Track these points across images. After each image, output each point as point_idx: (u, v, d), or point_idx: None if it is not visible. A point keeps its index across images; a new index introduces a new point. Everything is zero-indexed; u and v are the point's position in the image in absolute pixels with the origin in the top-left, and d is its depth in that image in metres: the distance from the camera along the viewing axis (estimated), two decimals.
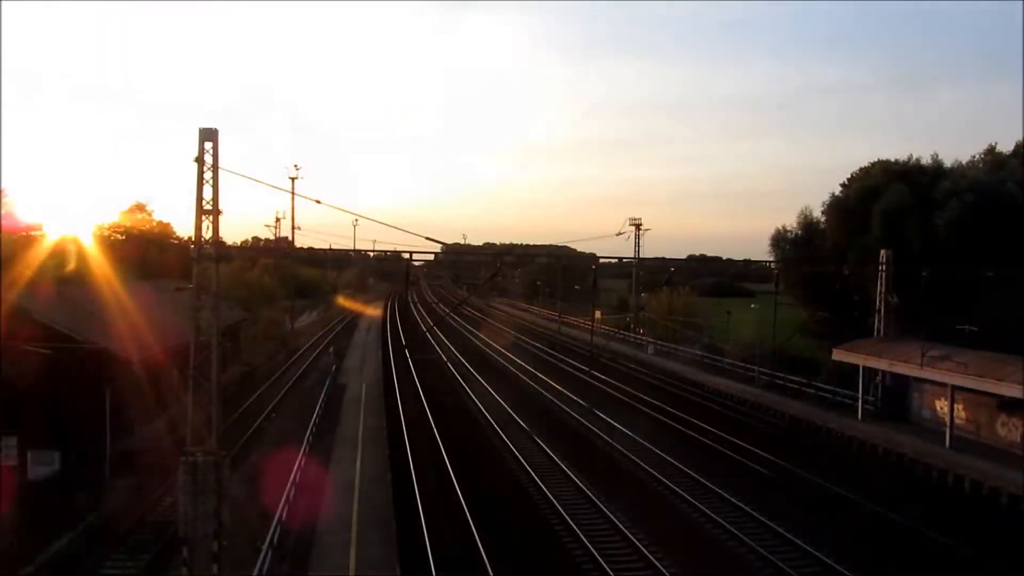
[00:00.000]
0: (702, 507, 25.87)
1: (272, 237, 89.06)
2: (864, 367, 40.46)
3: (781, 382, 49.30)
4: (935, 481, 30.83)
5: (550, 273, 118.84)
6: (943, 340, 36.74)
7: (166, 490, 24.94)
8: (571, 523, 23.99)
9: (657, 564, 20.75)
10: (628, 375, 57.39)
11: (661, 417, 41.71)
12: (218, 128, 18.40)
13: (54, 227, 54.59)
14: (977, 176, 47.25)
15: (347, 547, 20.98)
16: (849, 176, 57.35)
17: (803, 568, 21.00)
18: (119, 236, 65.05)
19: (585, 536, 22.81)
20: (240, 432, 34.09)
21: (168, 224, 76.33)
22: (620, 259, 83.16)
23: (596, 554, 21.43)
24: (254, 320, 62.22)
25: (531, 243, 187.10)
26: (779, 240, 61.42)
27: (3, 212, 54.20)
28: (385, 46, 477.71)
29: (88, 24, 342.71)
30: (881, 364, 39.29)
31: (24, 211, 56.15)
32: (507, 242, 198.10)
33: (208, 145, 18.46)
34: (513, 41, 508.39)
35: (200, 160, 18.45)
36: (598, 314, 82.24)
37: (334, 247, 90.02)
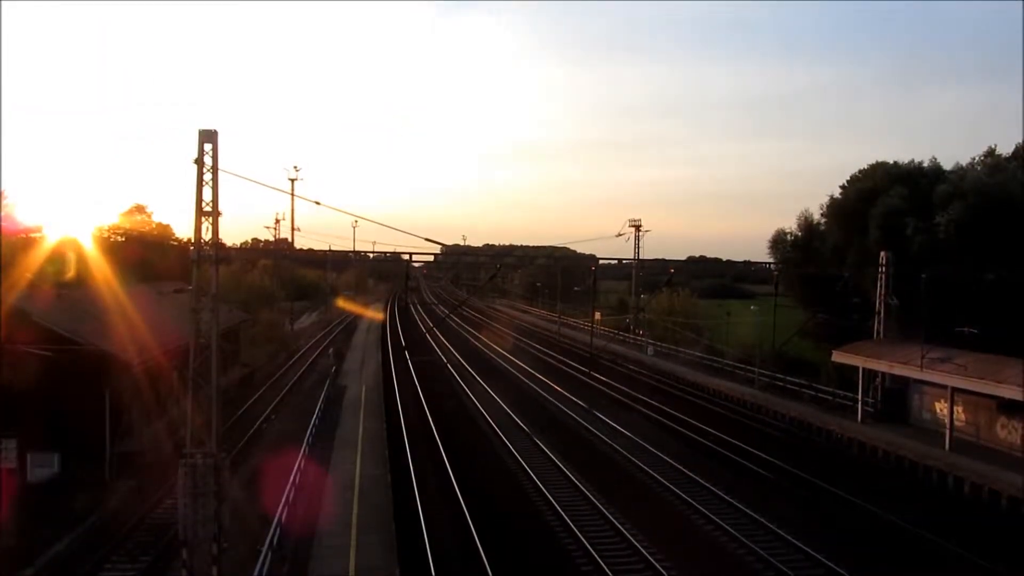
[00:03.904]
0: (702, 508, 25.84)
1: (272, 238, 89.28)
2: (864, 369, 40.44)
3: (781, 384, 49.30)
4: (935, 483, 30.83)
5: (550, 274, 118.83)
6: (943, 342, 36.71)
7: (166, 492, 24.93)
8: (570, 523, 23.97)
9: (657, 566, 20.73)
10: (628, 376, 57.39)
11: (661, 418, 41.73)
12: (218, 129, 18.41)
13: (54, 229, 54.62)
14: (977, 178, 47.15)
15: (347, 549, 20.95)
16: (849, 178, 57.32)
17: (804, 570, 20.99)
18: (119, 238, 65.04)
19: (584, 537, 22.78)
20: (240, 434, 34.09)
21: (168, 226, 76.42)
22: (620, 260, 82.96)
23: (596, 555, 21.40)
24: (254, 322, 62.18)
25: (531, 244, 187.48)
26: (779, 242, 61.37)
27: (3, 214, 54.19)
28: (384, 46, 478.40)
29: (88, 24, 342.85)
30: (881, 366, 39.27)
31: (24, 213, 56.16)
32: (507, 243, 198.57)
33: (208, 147, 18.44)
34: (513, 41, 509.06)
35: (199, 162, 18.43)
36: (598, 315, 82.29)
37: (333, 248, 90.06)
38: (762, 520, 24.62)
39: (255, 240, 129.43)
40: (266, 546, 19.45)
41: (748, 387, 51.13)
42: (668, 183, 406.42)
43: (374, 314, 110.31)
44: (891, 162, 55.32)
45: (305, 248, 79.13)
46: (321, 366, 57.02)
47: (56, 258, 44.71)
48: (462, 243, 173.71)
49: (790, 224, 61.60)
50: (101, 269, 41.77)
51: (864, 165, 56.99)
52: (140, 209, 76.05)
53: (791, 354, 51.90)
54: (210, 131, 18.47)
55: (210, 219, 18.71)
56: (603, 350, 67.72)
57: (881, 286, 41.91)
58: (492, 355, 70.16)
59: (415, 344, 68.46)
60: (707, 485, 28.51)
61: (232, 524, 19.46)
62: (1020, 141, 52.37)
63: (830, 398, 44.79)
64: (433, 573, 19.66)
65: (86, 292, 35.57)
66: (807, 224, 59.48)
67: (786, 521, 24.51)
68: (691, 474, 29.98)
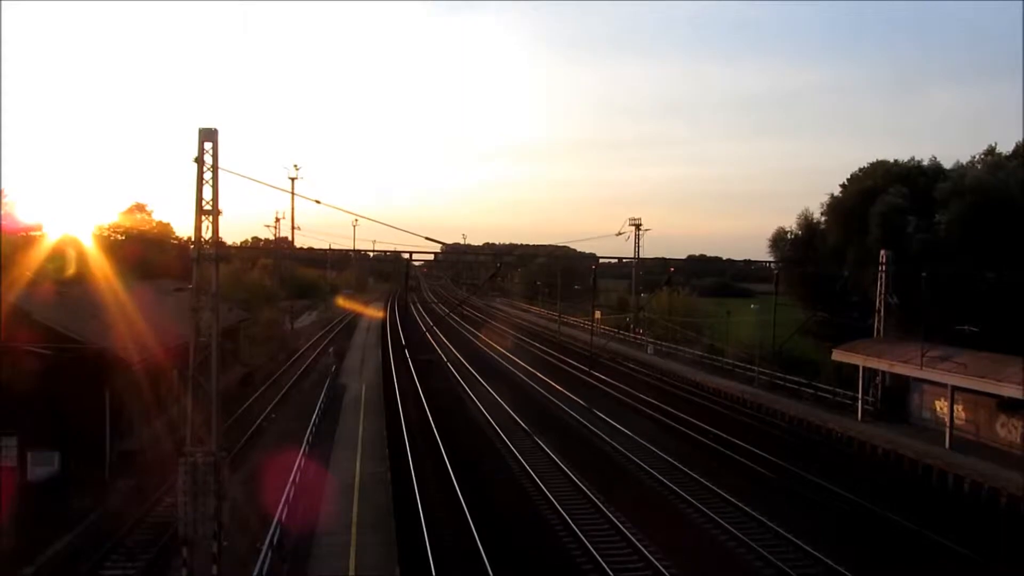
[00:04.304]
0: (702, 507, 25.85)
1: (272, 237, 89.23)
2: (864, 367, 40.46)
3: (781, 382, 49.33)
4: (935, 481, 30.83)
5: (550, 273, 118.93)
6: (943, 341, 36.73)
7: (166, 491, 24.93)
8: (570, 522, 23.97)
9: (657, 564, 20.73)
10: (628, 375, 57.39)
11: (660, 417, 41.74)
12: (218, 128, 18.38)
13: (54, 228, 54.69)
14: (978, 176, 47.15)
15: (347, 548, 20.96)
16: (849, 177, 57.34)
17: (804, 568, 20.99)
18: (119, 236, 65.09)
19: (584, 535, 22.79)
20: (240, 433, 34.09)
21: (168, 224, 76.51)
22: (620, 259, 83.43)
23: (596, 554, 21.41)
24: (254, 321, 62.16)
25: (531, 243, 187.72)
26: (779, 240, 61.39)
27: (3, 213, 54.22)
28: (384, 45, 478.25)
29: (88, 24, 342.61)
30: (881, 365, 39.30)
31: (24, 212, 56.21)
32: (507, 242, 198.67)
33: (208, 145, 18.40)
34: (513, 41, 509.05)
35: (200, 160, 18.41)
36: (598, 314, 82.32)
37: (334, 247, 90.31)
38: (762, 519, 24.62)
39: (255, 239, 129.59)
40: (266, 545, 19.47)
41: (748, 386, 51.15)
42: (668, 182, 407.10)
43: (374, 313, 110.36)
44: (891, 161, 55.43)
45: (305, 247, 79.51)
46: (321, 365, 57.01)
47: (56, 256, 44.73)
48: (462, 242, 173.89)
49: (790, 223, 61.65)
50: (101, 268, 41.81)
51: (864, 164, 57.10)
52: (140, 208, 76.16)
53: (791, 353, 51.92)
54: (210, 130, 18.44)
55: (210, 218, 18.67)
56: (603, 349, 67.75)
57: (881, 285, 41.93)
58: (492, 354, 70.15)
59: (415, 343, 68.44)
60: (707, 484, 28.50)
61: (232, 523, 19.46)
62: (1020, 139, 52.35)
63: (830, 397, 44.84)
64: (433, 572, 19.66)
65: (86, 291, 35.57)
66: (807, 223, 59.48)
67: (786, 519, 24.49)
68: (691, 472, 29.98)
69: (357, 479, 27.53)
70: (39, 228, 55.29)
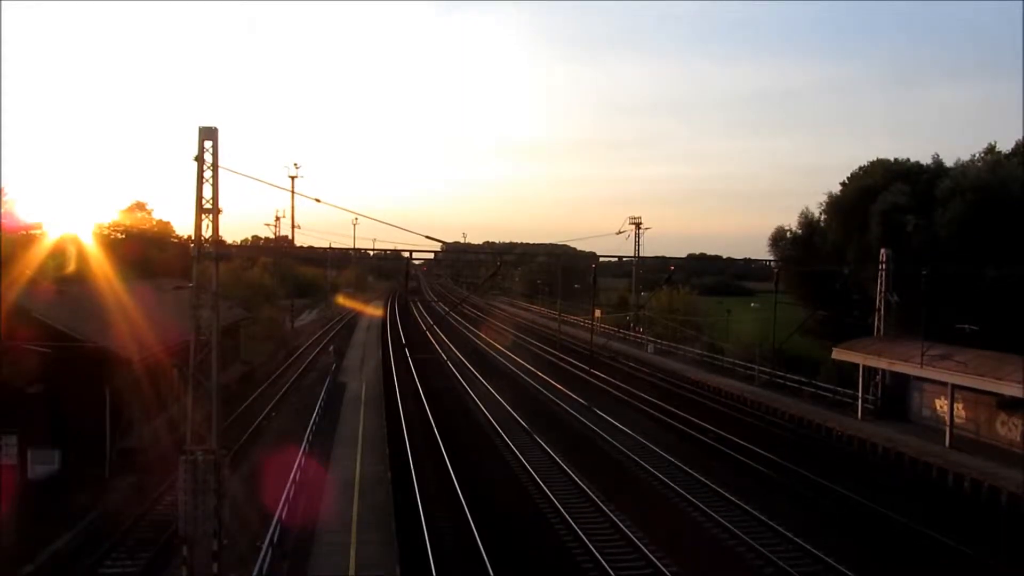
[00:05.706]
0: (703, 506, 25.86)
1: (272, 236, 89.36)
2: (864, 366, 40.46)
3: (781, 381, 49.32)
4: (935, 480, 30.84)
5: (550, 272, 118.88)
6: (943, 339, 36.73)
7: (166, 489, 24.95)
8: (571, 521, 23.98)
9: (657, 563, 20.74)
10: (628, 374, 57.37)
11: (660, 415, 41.73)
12: (218, 127, 18.37)
13: (54, 226, 54.58)
14: (979, 175, 47.11)
15: (347, 547, 20.96)
16: (849, 175, 57.31)
17: (804, 567, 20.99)
18: (119, 235, 65.08)
19: (585, 534, 22.79)
20: (240, 431, 34.09)
21: (168, 223, 76.46)
22: (620, 258, 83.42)
23: (596, 553, 21.41)
24: (254, 319, 62.12)
25: (531, 242, 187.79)
26: (779, 239, 61.37)
27: (3, 211, 54.18)
28: (384, 44, 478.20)
29: (89, 23, 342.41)
30: (881, 363, 39.29)
31: (24, 210, 56.15)
32: (507, 241, 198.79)
33: (208, 144, 18.39)
34: (513, 40, 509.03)
35: (200, 159, 18.40)
36: (598, 313, 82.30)
37: (334, 246, 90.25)
38: (763, 517, 24.63)
39: (255, 237, 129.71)
40: (266, 543, 19.48)
41: (748, 384, 51.14)
42: (668, 180, 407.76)
43: (374, 311, 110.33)
44: (891, 159, 55.41)
45: (305, 246, 79.55)
46: (321, 363, 57.03)
47: (56, 255, 44.67)
48: (462, 241, 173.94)
49: (790, 221, 61.60)
50: (101, 266, 41.76)
51: (864, 162, 57.08)
52: (140, 206, 76.08)
53: (791, 351, 51.91)
54: (210, 128, 18.43)
55: (210, 216, 18.67)
56: (603, 348, 67.76)
57: (881, 283, 41.91)
58: (492, 352, 70.16)
59: (415, 342, 68.45)
60: (707, 482, 28.52)
61: (232, 521, 19.47)
62: (1020, 138, 52.36)
63: (830, 395, 44.83)
64: (434, 572, 19.67)
65: (86, 289, 35.56)
66: (807, 221, 59.46)
67: (787, 518, 24.53)
68: (691, 471, 29.99)
69: (357, 477, 27.53)
70: (39, 227, 55.19)
